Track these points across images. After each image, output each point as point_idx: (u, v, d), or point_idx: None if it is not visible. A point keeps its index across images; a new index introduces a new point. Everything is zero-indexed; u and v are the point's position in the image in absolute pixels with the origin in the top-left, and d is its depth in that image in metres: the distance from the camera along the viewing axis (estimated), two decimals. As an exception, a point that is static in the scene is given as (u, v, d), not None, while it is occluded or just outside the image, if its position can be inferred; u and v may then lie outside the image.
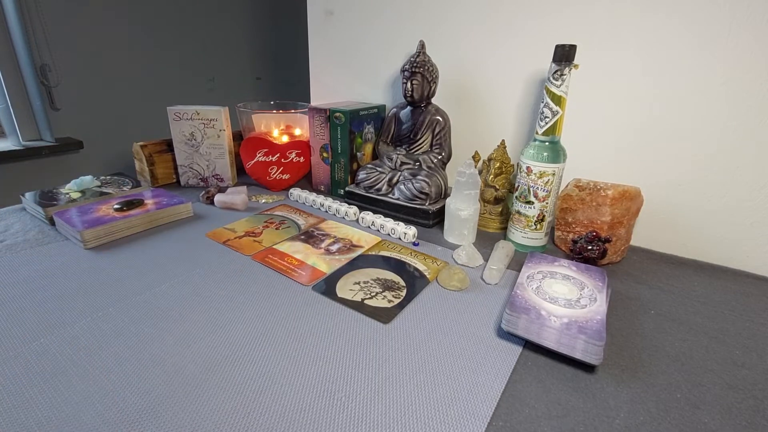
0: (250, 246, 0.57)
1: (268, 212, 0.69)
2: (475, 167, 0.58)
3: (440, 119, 0.71)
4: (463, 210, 0.58)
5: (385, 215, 0.66)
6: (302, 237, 0.60)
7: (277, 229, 0.62)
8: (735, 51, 0.52)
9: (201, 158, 0.78)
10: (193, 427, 0.29)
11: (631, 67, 0.59)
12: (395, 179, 0.69)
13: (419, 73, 0.67)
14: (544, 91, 0.53)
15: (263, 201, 0.74)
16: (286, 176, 0.79)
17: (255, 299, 0.45)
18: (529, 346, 0.39)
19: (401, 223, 0.62)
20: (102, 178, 0.75)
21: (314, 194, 0.73)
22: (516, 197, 0.58)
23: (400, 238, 0.61)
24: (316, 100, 0.99)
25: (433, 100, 0.72)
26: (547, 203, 0.56)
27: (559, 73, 0.51)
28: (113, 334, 0.38)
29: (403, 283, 0.49)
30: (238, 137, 0.86)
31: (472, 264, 0.54)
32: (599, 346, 0.35)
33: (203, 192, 0.73)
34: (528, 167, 0.55)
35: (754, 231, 0.56)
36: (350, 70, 0.90)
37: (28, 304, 0.42)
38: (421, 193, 0.65)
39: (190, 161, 0.78)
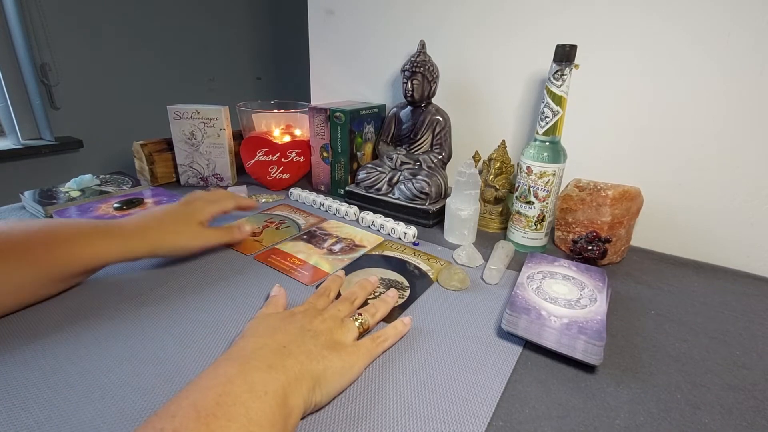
0: (250, 246, 0.56)
1: (268, 212, 0.69)
2: (476, 167, 0.58)
3: (440, 119, 0.71)
4: (463, 210, 0.58)
5: (385, 215, 0.66)
6: (304, 237, 0.60)
7: (277, 228, 0.62)
8: (735, 51, 0.52)
9: (201, 157, 0.78)
10: (193, 426, 0.29)
11: (632, 67, 0.59)
12: (395, 179, 0.69)
13: (419, 72, 0.67)
14: (545, 91, 0.53)
15: (263, 200, 0.74)
16: (286, 176, 0.79)
17: (256, 299, 0.45)
18: (529, 346, 0.39)
19: (401, 223, 0.62)
20: (102, 176, 0.75)
21: (314, 194, 0.73)
22: (516, 197, 0.58)
23: (400, 238, 0.61)
24: (316, 100, 0.99)
25: (434, 100, 0.72)
26: (547, 203, 0.56)
27: (559, 73, 0.51)
28: (113, 333, 0.38)
29: (406, 283, 0.49)
30: (238, 137, 0.86)
31: (472, 264, 0.54)
32: (599, 346, 0.35)
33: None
34: (528, 167, 0.55)
35: (754, 231, 0.56)
36: (350, 70, 0.90)
37: (28, 303, 0.42)
38: (422, 192, 0.65)
39: (190, 160, 0.78)
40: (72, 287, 0.44)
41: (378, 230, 0.64)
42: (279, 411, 0.26)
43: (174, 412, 0.23)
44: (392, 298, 0.44)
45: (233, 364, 0.28)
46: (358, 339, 0.37)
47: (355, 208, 0.67)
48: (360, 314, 0.39)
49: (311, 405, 0.29)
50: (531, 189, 0.56)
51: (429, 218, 0.65)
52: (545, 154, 0.54)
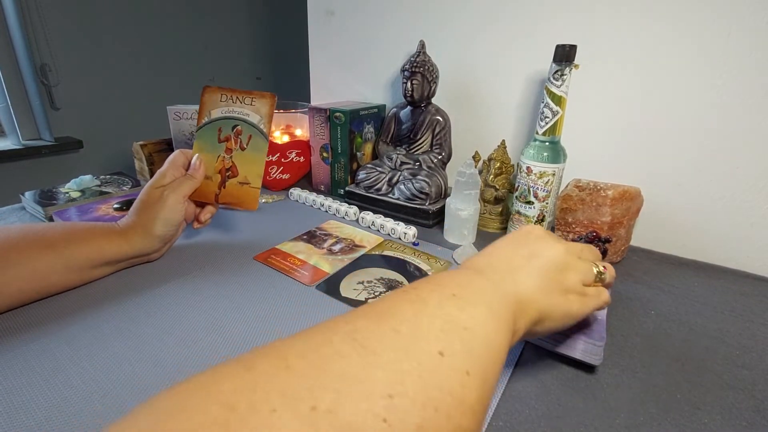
0: (242, 191, 0.53)
1: (216, 121, 0.52)
2: (476, 167, 0.58)
3: (440, 119, 0.71)
4: (463, 210, 0.58)
5: (385, 215, 0.66)
6: (304, 237, 0.60)
7: (243, 150, 0.53)
8: (735, 52, 0.52)
9: (201, 158, 0.77)
10: (194, 427, 0.29)
11: (632, 67, 0.59)
12: (395, 179, 0.69)
13: (419, 72, 0.67)
14: (545, 91, 0.53)
15: (263, 201, 0.74)
16: (286, 176, 0.79)
17: (256, 299, 0.45)
18: (529, 346, 0.39)
19: (401, 223, 0.62)
20: (102, 177, 0.75)
21: (314, 194, 0.73)
22: (516, 197, 0.58)
23: (400, 238, 0.61)
24: (316, 100, 0.99)
25: (434, 100, 0.72)
26: (547, 203, 0.56)
27: (559, 73, 0.51)
28: (113, 333, 0.38)
29: (407, 282, 0.49)
30: (238, 137, 0.86)
31: (472, 264, 0.54)
32: (599, 346, 0.35)
33: (203, 192, 0.73)
34: (528, 167, 0.55)
35: (754, 231, 0.56)
36: (350, 70, 0.90)
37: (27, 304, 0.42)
38: (421, 192, 0.65)
39: (190, 161, 0.78)
40: (89, 282, 0.46)
41: (378, 230, 0.64)
42: (508, 323, 0.26)
43: (419, 285, 0.26)
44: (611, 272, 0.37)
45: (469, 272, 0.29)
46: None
47: (355, 209, 0.67)
48: (605, 267, 0.34)
49: (531, 334, 0.30)
50: (531, 189, 0.56)
51: (429, 218, 0.65)
52: (545, 154, 0.54)
